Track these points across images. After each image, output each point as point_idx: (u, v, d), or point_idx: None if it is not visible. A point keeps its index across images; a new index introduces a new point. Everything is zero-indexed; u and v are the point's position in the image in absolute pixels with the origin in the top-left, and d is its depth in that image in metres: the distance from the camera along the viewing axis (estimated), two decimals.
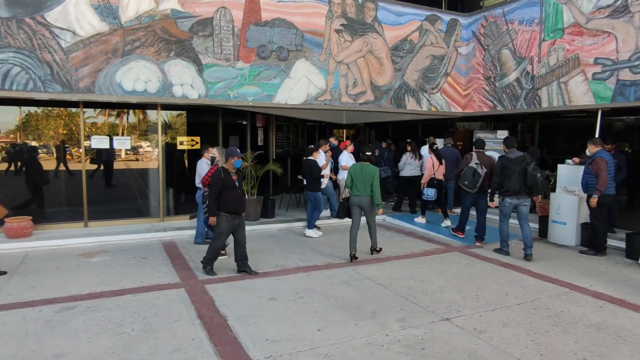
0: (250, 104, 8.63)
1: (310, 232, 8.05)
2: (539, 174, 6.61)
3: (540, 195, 6.87)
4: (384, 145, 11.77)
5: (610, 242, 7.31)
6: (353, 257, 6.55)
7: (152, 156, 8.87)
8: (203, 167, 7.10)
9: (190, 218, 8.96)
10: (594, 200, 6.76)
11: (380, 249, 6.99)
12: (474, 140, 8.09)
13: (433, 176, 8.78)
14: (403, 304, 4.94)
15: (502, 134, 10.17)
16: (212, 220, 5.74)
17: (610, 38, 7.76)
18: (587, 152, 7.15)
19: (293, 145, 12.94)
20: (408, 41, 10.01)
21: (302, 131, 13.45)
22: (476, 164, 7.36)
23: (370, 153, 6.77)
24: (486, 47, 10.17)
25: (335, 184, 9.64)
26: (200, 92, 8.15)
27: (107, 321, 4.40)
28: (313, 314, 4.64)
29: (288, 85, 8.87)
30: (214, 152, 6.84)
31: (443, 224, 8.88)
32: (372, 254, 6.87)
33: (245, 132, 10.99)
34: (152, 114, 8.72)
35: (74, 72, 7.24)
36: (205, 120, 9.78)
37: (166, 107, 8.61)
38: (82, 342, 3.97)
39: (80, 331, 4.18)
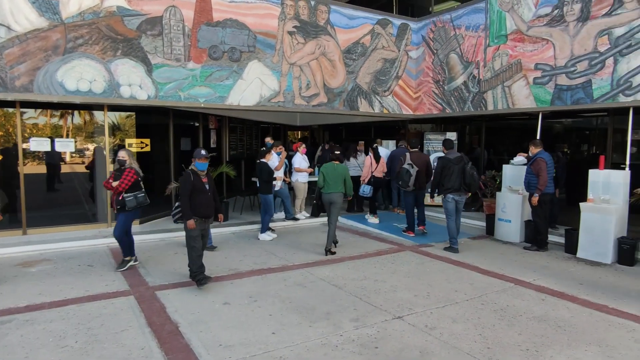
0: (202, 105, 8.46)
1: (264, 236, 7.97)
2: (475, 172, 7.23)
3: (475, 192, 7.68)
4: (326, 146, 11.97)
5: (552, 238, 7.73)
6: (334, 242, 7.18)
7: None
8: None
9: (141, 223, 8.65)
10: (535, 198, 7.14)
11: (335, 252, 7.04)
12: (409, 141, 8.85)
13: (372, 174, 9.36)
14: (357, 304, 4.99)
15: (451, 135, 10.52)
16: (191, 224, 5.36)
17: (548, 45, 8.21)
18: (529, 153, 7.54)
19: (247, 147, 12.81)
20: (360, 44, 10.15)
21: (256, 133, 13.35)
22: (409, 164, 7.91)
23: (339, 152, 7.24)
24: (435, 52, 10.49)
25: (290, 186, 9.64)
26: (150, 92, 7.90)
27: (48, 334, 4.16)
28: (267, 317, 4.60)
29: (241, 86, 8.76)
30: (122, 154, 6.07)
31: (369, 218, 9.46)
32: (326, 254, 6.93)
33: (198, 134, 10.75)
34: (99, 115, 8.35)
35: (9, 69, 6.81)
36: (156, 121, 9.48)
37: (113, 108, 8.27)
38: (20, 358, 3.73)
39: (17, 346, 3.93)
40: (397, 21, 10.70)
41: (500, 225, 8.21)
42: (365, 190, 9.24)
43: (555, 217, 8.35)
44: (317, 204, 7.35)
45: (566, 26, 7.91)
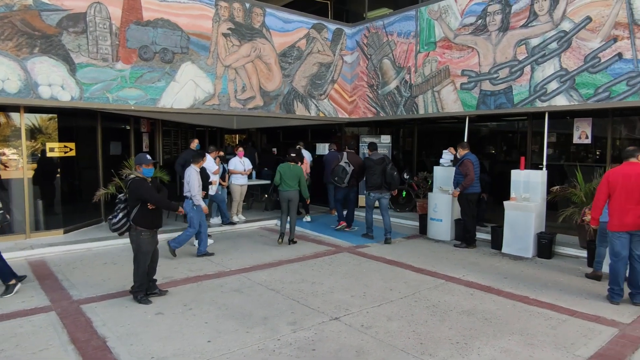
0: (133, 107, 8.08)
1: None
2: (395, 173, 7.97)
3: (397, 190, 8.48)
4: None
5: (480, 235, 8.15)
6: (282, 235, 7.82)
7: (17, 165, 7.86)
8: (192, 174, 6.78)
9: (65, 232, 8.11)
10: (456, 192, 7.63)
11: (296, 241, 7.91)
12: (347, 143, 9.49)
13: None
14: (294, 307, 4.98)
15: (386, 138, 10.83)
16: (180, 209, 5.79)
17: (473, 53, 8.68)
18: (458, 155, 7.93)
19: (182, 151, 12.39)
20: (296, 48, 10.19)
21: (191, 136, 12.96)
22: (345, 162, 8.50)
23: (294, 154, 7.93)
24: (369, 57, 10.75)
25: (227, 190, 9.46)
26: (73, 94, 7.43)
27: None
28: (203, 325, 4.47)
29: (174, 88, 8.48)
30: None
31: (305, 219, 9.87)
32: (289, 244, 7.82)
33: (129, 138, 10.26)
34: (15, 117, 7.73)
35: None
36: (81, 124, 8.94)
37: (31, 109, 7.70)
38: None
39: None
40: (332, 26, 10.86)
41: (432, 225, 8.55)
42: None
43: (483, 215, 8.83)
44: (273, 199, 7.89)
45: (489, 35, 8.41)
